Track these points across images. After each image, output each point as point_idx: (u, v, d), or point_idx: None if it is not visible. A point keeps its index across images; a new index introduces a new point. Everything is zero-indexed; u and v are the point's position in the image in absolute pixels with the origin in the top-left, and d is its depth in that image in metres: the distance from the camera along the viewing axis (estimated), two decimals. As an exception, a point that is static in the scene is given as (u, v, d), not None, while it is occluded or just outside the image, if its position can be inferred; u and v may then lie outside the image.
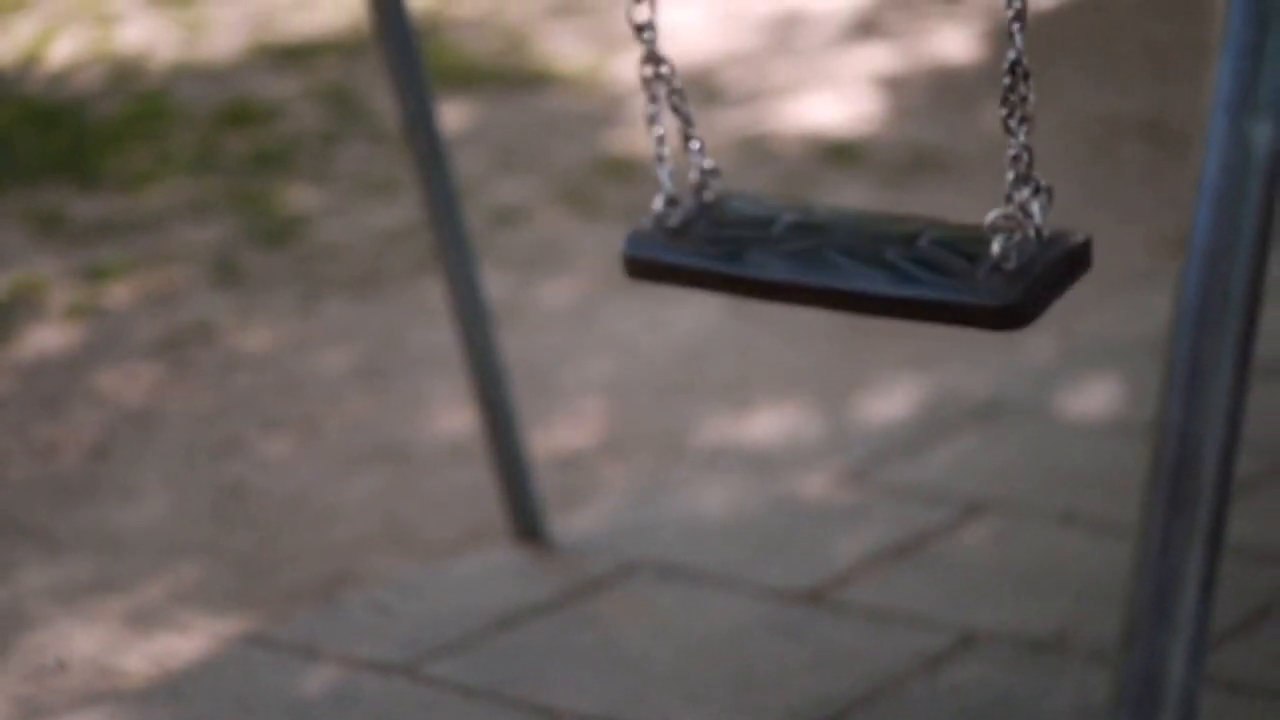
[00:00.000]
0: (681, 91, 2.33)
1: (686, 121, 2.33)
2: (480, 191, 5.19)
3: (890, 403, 3.80)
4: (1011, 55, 2.09)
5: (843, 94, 6.14)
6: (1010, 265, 2.07)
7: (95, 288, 4.50)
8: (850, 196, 5.20)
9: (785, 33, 6.84)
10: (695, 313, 4.37)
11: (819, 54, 6.59)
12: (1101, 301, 4.45)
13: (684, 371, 4.05)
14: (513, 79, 6.30)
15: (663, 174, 2.33)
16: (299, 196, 5.19)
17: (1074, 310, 4.37)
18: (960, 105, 6.09)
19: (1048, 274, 2.08)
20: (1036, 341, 4.15)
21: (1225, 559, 1.61)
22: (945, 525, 3.24)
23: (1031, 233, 2.11)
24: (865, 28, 6.88)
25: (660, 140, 2.34)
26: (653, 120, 2.33)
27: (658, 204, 2.31)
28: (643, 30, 2.29)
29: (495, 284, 4.37)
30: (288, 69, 6.35)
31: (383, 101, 5.83)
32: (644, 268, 2.29)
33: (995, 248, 2.08)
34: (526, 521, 3.19)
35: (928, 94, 6.19)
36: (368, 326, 4.31)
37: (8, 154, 5.54)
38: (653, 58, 2.30)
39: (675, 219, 2.30)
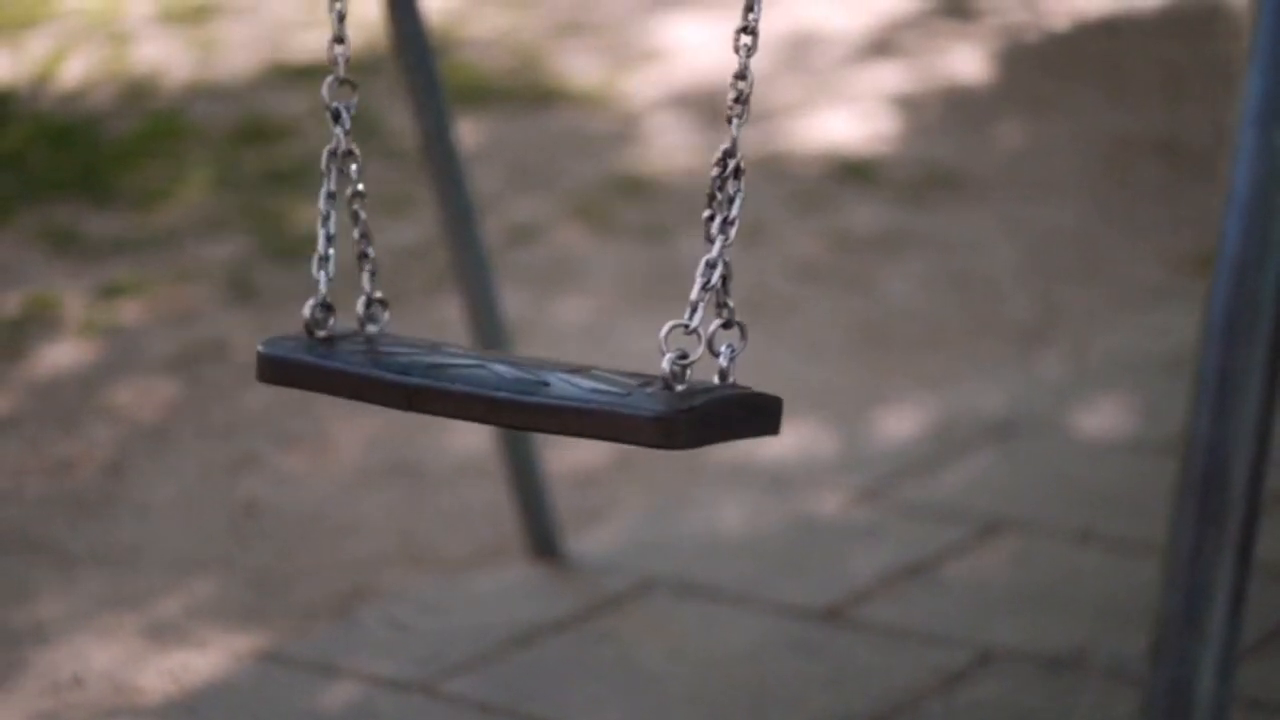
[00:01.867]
0: (364, 196, 2.10)
1: (364, 235, 2.10)
2: (495, 209, 5.19)
3: (907, 421, 3.80)
4: (724, 145, 1.89)
5: (856, 113, 6.14)
6: (680, 386, 1.83)
7: (110, 305, 4.50)
8: (864, 214, 5.20)
9: (799, 52, 6.84)
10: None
11: (833, 73, 6.60)
12: (1117, 320, 4.45)
13: (699, 389, 4.04)
14: (526, 97, 6.31)
15: (321, 277, 2.06)
16: (313, 214, 5.19)
17: (1088, 328, 4.37)
18: (973, 124, 6.09)
19: (719, 405, 1.84)
20: (1052, 360, 4.14)
21: (1252, 575, 1.60)
22: (962, 543, 3.23)
23: (715, 376, 1.86)
24: (879, 47, 6.89)
25: (328, 239, 2.07)
26: (326, 217, 2.07)
27: (307, 309, 2.04)
28: (337, 117, 2.10)
29: (510, 301, 4.36)
30: (301, 87, 6.36)
31: (397, 119, 5.83)
32: (276, 369, 2.03)
33: (665, 364, 1.82)
34: (543, 539, 3.19)
35: (941, 113, 6.19)
36: (382, 344, 4.30)
37: (22, 172, 5.55)
38: (340, 149, 2.09)
39: (325, 328, 2.05)
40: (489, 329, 3.08)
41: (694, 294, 1.83)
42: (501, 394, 1.87)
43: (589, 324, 4.45)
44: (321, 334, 2.06)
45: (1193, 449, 1.54)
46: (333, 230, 2.08)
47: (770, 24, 7.15)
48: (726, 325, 1.86)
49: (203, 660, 2.89)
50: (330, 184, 2.08)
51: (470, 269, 3.06)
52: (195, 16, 7.27)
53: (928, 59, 6.72)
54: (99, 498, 3.51)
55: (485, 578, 3.16)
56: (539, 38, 7.04)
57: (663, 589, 3.09)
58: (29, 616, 3.04)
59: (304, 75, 6.49)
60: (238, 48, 6.85)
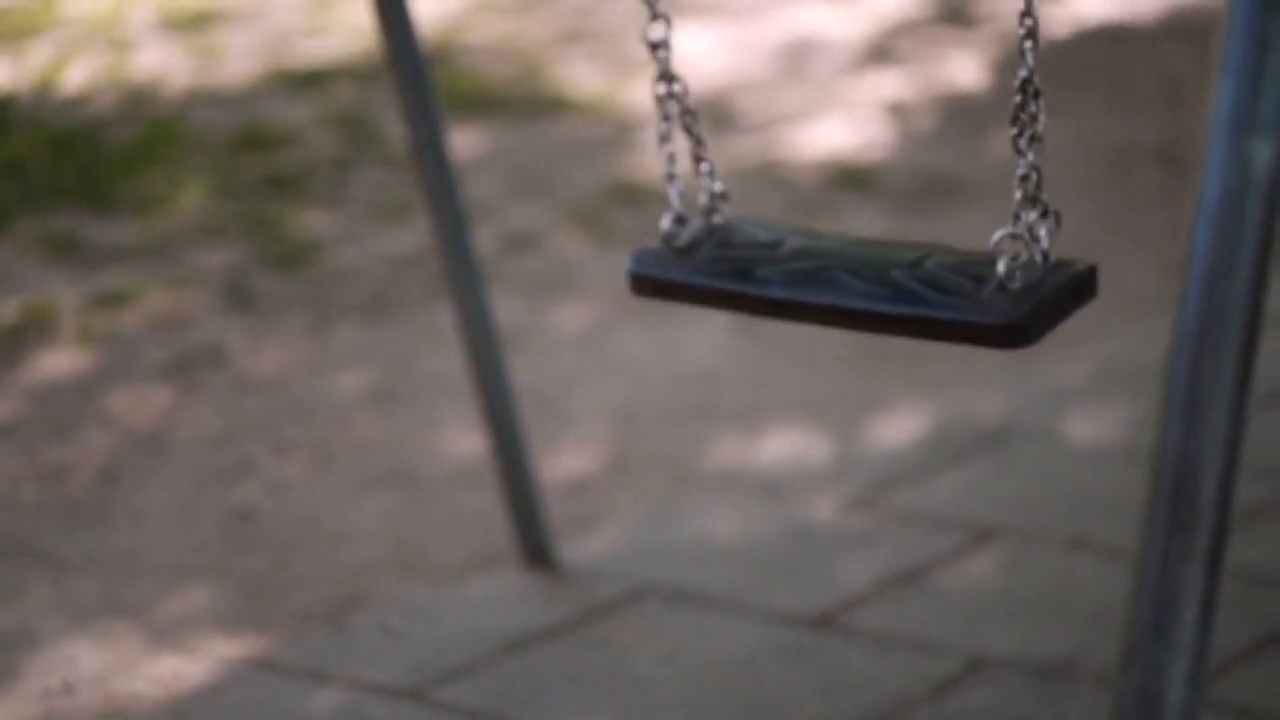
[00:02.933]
0: (694, 112, 2.33)
1: (698, 143, 2.33)
2: (493, 216, 5.20)
3: (900, 428, 3.80)
4: (1023, 73, 2.10)
5: (855, 120, 6.15)
6: (1015, 286, 2.08)
7: (107, 312, 4.51)
8: (863, 221, 5.21)
9: (798, 59, 6.85)
10: (706, 337, 4.37)
11: (831, 80, 6.60)
12: (1113, 326, 4.45)
13: (694, 396, 4.05)
14: (526, 105, 6.31)
15: (672, 192, 2.32)
16: (311, 221, 5.20)
17: (1085, 335, 4.37)
18: (972, 131, 6.09)
19: (1052, 296, 2.08)
20: (1047, 367, 4.14)
21: (1234, 585, 1.61)
22: (955, 551, 3.23)
23: (1038, 257, 2.11)
24: (877, 54, 6.89)
25: (671, 159, 2.33)
26: (664, 139, 2.32)
27: (665, 222, 2.30)
28: (657, 48, 2.30)
29: (507, 309, 4.37)
30: (301, 95, 6.37)
31: (395, 127, 5.84)
32: (649, 285, 2.28)
33: (1000, 268, 2.08)
34: (536, 546, 3.19)
35: (940, 120, 6.20)
36: (379, 351, 4.31)
37: (22, 179, 5.56)
38: (666, 76, 2.31)
39: (682, 239, 2.29)
40: (480, 337, 3.08)
41: (1015, 204, 2.10)
42: (861, 304, 2.11)
43: (586, 332, 4.45)
44: (680, 244, 2.28)
45: (1163, 458, 1.54)
46: (674, 149, 2.31)
47: (769, 32, 7.16)
48: (1043, 215, 2.12)
49: (195, 667, 2.89)
50: (666, 108, 2.31)
51: (462, 277, 3.06)
52: (196, 24, 7.28)
53: (927, 66, 6.73)
54: (94, 504, 3.52)
55: (478, 585, 3.16)
56: (539, 45, 7.05)
57: (655, 596, 3.09)
58: (21, 622, 3.05)
59: (304, 83, 6.50)
60: (238, 55, 6.87)
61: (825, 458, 3.66)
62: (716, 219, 2.33)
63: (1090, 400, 3.93)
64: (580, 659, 2.89)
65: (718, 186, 2.33)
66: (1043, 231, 2.12)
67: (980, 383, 4.07)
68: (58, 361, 4.24)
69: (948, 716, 2.71)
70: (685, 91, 2.31)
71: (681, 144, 2.37)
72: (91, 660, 2.92)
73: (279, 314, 4.52)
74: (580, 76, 6.63)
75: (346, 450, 3.77)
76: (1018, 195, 2.10)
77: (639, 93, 6.42)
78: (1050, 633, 2.93)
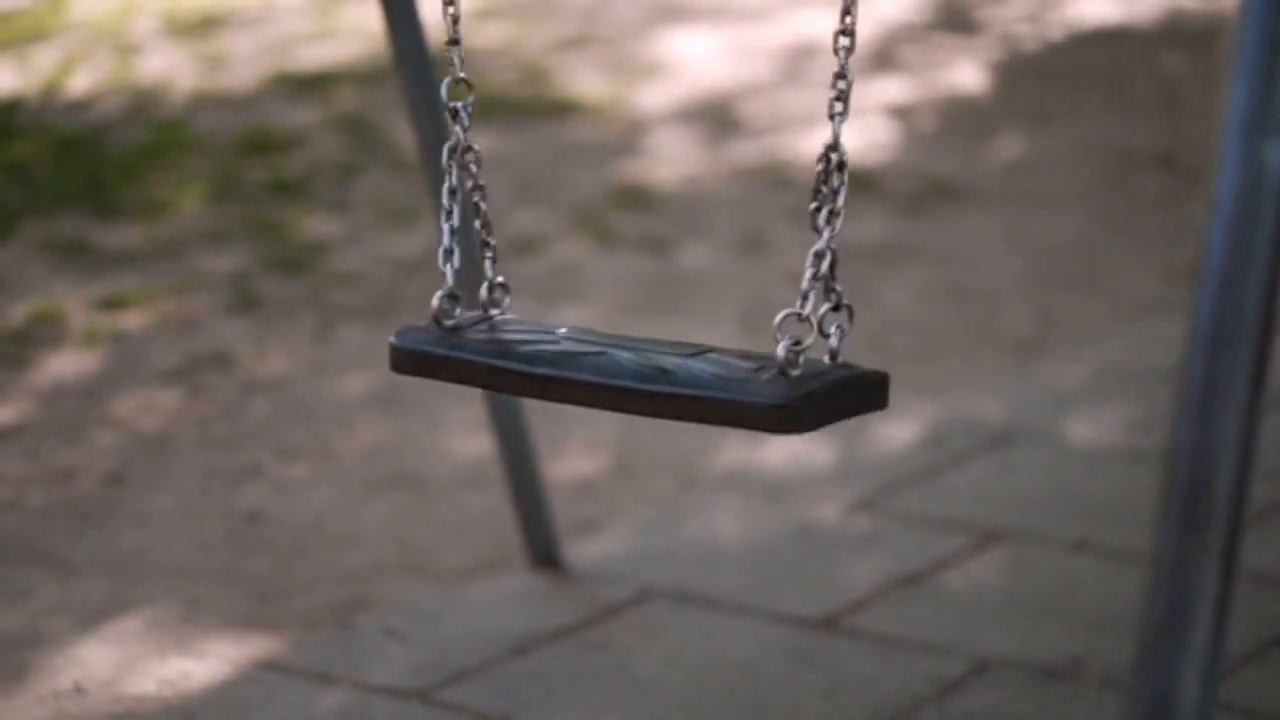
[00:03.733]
0: (484, 188, 2.20)
1: (484, 225, 2.20)
2: (499, 220, 5.20)
3: (904, 430, 3.81)
4: (828, 141, 1.98)
5: (857, 124, 6.16)
6: (795, 372, 1.94)
7: (114, 315, 4.52)
8: (867, 225, 5.22)
9: (801, 64, 6.86)
10: (711, 340, 4.38)
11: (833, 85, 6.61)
12: (1116, 330, 4.46)
13: (699, 400, 4.05)
14: (531, 109, 6.33)
15: (448, 270, 2.18)
16: (317, 225, 5.21)
17: (1088, 338, 4.38)
18: (974, 135, 6.10)
19: (833, 389, 1.94)
20: (1050, 369, 4.15)
21: (1241, 586, 1.62)
22: (958, 553, 3.24)
23: (826, 356, 1.98)
24: (880, 59, 6.90)
25: (451, 232, 2.19)
26: (447, 213, 2.19)
27: (436, 299, 2.16)
28: (455, 116, 2.19)
29: (513, 312, 4.37)
30: (306, 99, 6.38)
31: (400, 130, 5.85)
32: (410, 358, 2.16)
33: (780, 351, 1.94)
34: (542, 547, 3.20)
35: (941, 124, 6.21)
36: (384, 354, 4.31)
37: (28, 183, 5.57)
38: (459, 147, 2.19)
39: (453, 317, 2.17)
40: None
41: (805, 283, 1.95)
42: (629, 383, 1.99)
43: (590, 335, 4.46)
44: (449, 323, 2.17)
45: (1177, 458, 1.55)
46: (456, 224, 2.19)
47: (771, 36, 7.17)
48: (836, 308, 1.98)
49: (202, 669, 2.90)
50: (452, 179, 2.19)
51: (472, 281, 3.07)
52: (201, 28, 7.30)
53: (928, 71, 6.74)
54: (101, 506, 3.53)
55: (483, 587, 3.17)
56: (545, 50, 7.06)
57: (660, 598, 3.10)
58: (29, 624, 3.06)
59: (309, 86, 6.51)
60: (243, 59, 6.88)
61: (829, 460, 3.67)
62: (494, 312, 2.22)
63: (1092, 402, 3.94)
64: (585, 661, 2.90)
65: (500, 278, 2.21)
66: (833, 329, 1.97)
67: (983, 385, 4.08)
68: (64, 364, 4.25)
69: (952, 718, 2.72)
70: (480, 164, 2.19)
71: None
72: (100, 662, 2.93)
73: (284, 317, 4.53)
74: (584, 81, 6.64)
75: (352, 453, 3.78)
76: (809, 274, 1.95)
77: (643, 97, 6.43)
78: (1054, 634, 2.94)
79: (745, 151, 5.88)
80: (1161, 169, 5.79)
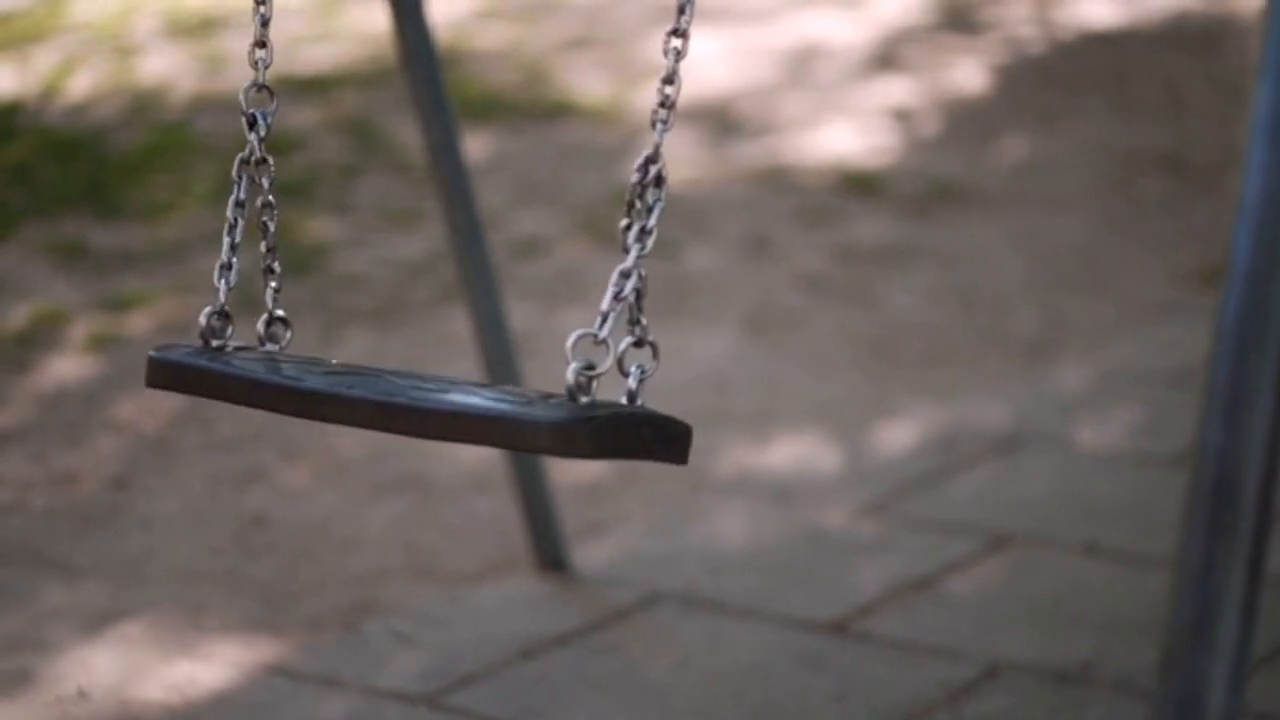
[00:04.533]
0: (273, 205, 2.07)
1: (269, 250, 2.07)
2: (501, 222, 5.19)
3: (913, 434, 3.79)
4: (647, 152, 1.81)
5: (861, 126, 6.14)
6: (585, 398, 1.74)
7: (115, 318, 4.50)
8: (870, 228, 5.20)
9: (803, 66, 6.85)
10: (717, 343, 4.37)
11: (837, 87, 6.60)
12: (1123, 333, 4.45)
13: (706, 401, 4.04)
14: (533, 111, 6.31)
15: (222, 285, 2.03)
16: (320, 227, 5.19)
17: (1095, 341, 4.36)
18: (977, 137, 6.09)
19: (624, 420, 1.74)
20: (1057, 373, 4.14)
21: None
22: (969, 557, 3.23)
23: (623, 396, 1.76)
24: (883, 61, 6.89)
25: (231, 247, 2.05)
26: (231, 225, 2.05)
27: (204, 317, 2.01)
28: (254, 125, 2.06)
29: (516, 314, 4.36)
30: (308, 101, 6.37)
31: (403, 132, 5.83)
32: (167, 371, 2.00)
33: (569, 376, 1.72)
34: (549, 551, 3.18)
35: (946, 126, 6.20)
36: (388, 356, 4.30)
37: (29, 185, 5.55)
38: (253, 159, 2.07)
39: (221, 338, 2.02)
40: (496, 343, 3.08)
41: (604, 304, 1.74)
42: (396, 399, 1.81)
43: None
44: (216, 343, 2.01)
45: (1203, 460, 1.54)
46: (238, 239, 2.05)
47: (775, 38, 7.16)
48: (638, 344, 1.76)
49: (207, 673, 2.88)
50: (240, 192, 2.05)
51: (478, 283, 3.06)
52: (201, 30, 7.28)
53: (932, 72, 6.72)
54: (104, 510, 3.51)
55: (491, 590, 3.16)
56: (546, 52, 7.05)
57: (668, 602, 3.08)
58: (34, 628, 3.04)
59: (311, 88, 6.50)
60: (243, 61, 6.86)
61: (837, 464, 3.66)
62: (270, 348, 2.05)
63: (1100, 405, 3.92)
64: (593, 665, 2.88)
65: (279, 311, 2.05)
66: (634, 368, 1.75)
67: (991, 389, 4.07)
68: (67, 367, 4.23)
69: (964, 722, 2.70)
70: (272, 178, 2.07)
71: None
72: (104, 666, 2.91)
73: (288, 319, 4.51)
74: (586, 82, 6.63)
75: (358, 456, 3.77)
76: (610, 294, 1.73)
77: (646, 98, 6.42)
78: (1066, 638, 2.92)
79: (748, 153, 5.86)
80: (1167, 171, 5.77)
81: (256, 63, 2.08)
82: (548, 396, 1.78)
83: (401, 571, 3.26)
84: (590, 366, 1.73)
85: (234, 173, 2.05)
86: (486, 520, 3.45)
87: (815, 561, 3.23)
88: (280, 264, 2.06)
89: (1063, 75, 6.74)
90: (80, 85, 6.58)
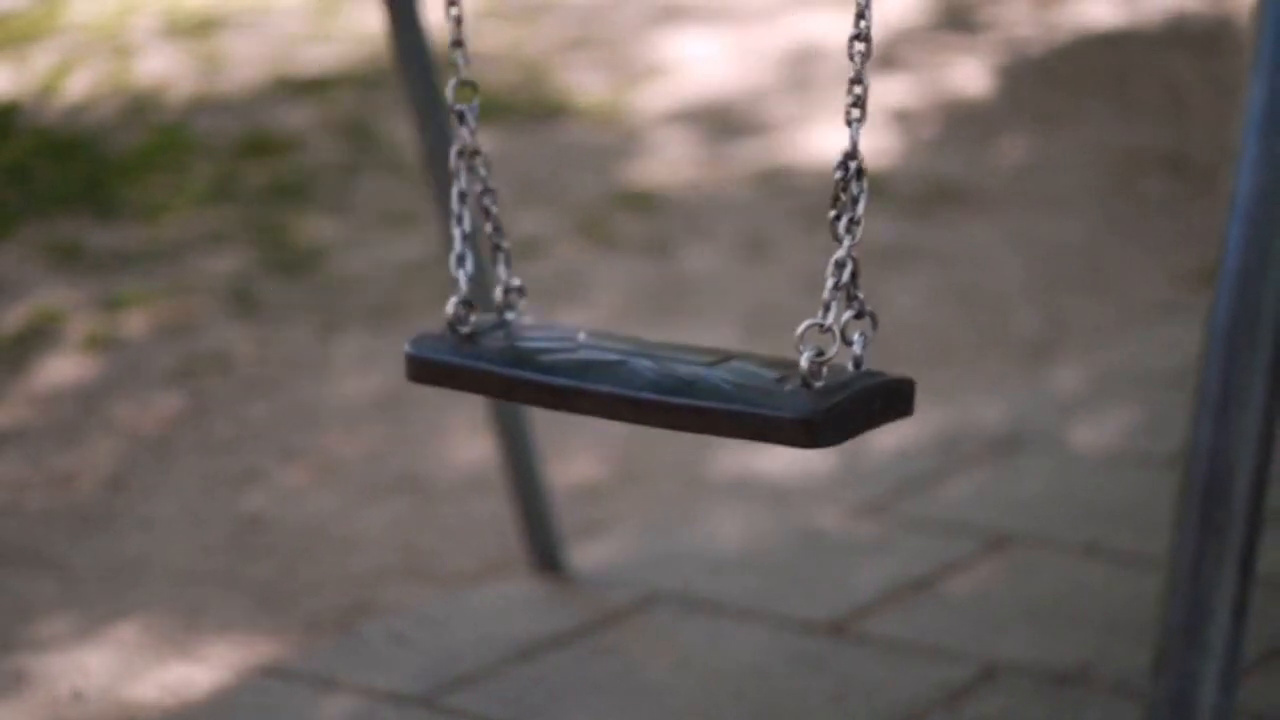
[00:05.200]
0: (495, 191, 2.16)
1: (497, 229, 2.16)
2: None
3: (911, 435, 3.79)
4: (846, 148, 1.94)
5: (863, 127, 6.14)
6: (819, 383, 1.89)
7: (113, 318, 4.50)
8: (870, 228, 5.19)
9: (803, 66, 6.84)
10: (716, 343, 4.36)
11: (836, 87, 6.59)
12: (1121, 333, 4.44)
13: (703, 403, 4.03)
14: (531, 111, 6.30)
15: (460, 275, 2.13)
16: (317, 227, 5.18)
17: (1094, 342, 4.36)
18: (978, 137, 6.08)
19: (859, 399, 1.89)
20: (1057, 373, 4.13)
21: (1254, 590, 1.60)
22: (967, 558, 3.22)
23: (850, 363, 1.93)
24: (883, 61, 6.88)
25: (463, 238, 2.15)
26: (458, 218, 2.14)
27: (450, 307, 2.11)
28: (463, 119, 2.14)
29: (527, 314, 4.35)
30: (305, 101, 6.36)
31: (400, 133, 5.83)
32: (426, 368, 2.11)
33: (803, 361, 1.89)
34: (545, 552, 3.18)
35: (946, 127, 6.19)
36: (386, 357, 4.30)
37: (26, 185, 5.55)
38: (467, 150, 2.14)
39: (468, 325, 2.12)
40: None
41: (826, 293, 1.91)
42: (647, 395, 1.93)
43: (593, 338, 4.44)
44: (465, 330, 2.12)
45: (1194, 459, 1.53)
46: (467, 229, 2.15)
47: (773, 39, 7.15)
48: (858, 315, 1.93)
49: (203, 674, 2.88)
50: (461, 183, 2.14)
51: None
52: (199, 30, 7.28)
53: (932, 73, 6.72)
54: (100, 511, 3.51)
55: (487, 592, 3.15)
56: (545, 52, 7.04)
57: (666, 603, 3.07)
58: (29, 629, 3.04)
59: (308, 89, 6.49)
60: (242, 61, 6.85)
61: (835, 465, 3.65)
62: (510, 315, 2.17)
63: (1099, 406, 3.91)
64: (591, 666, 2.87)
65: (515, 280, 2.17)
66: (856, 336, 1.93)
67: (989, 389, 4.06)
68: (64, 368, 4.22)
69: (962, 724, 2.69)
70: (488, 167, 2.15)
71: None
72: (100, 667, 2.90)
73: (285, 320, 4.50)
74: (585, 83, 6.62)
75: (354, 457, 3.76)
76: (830, 284, 1.92)
77: (643, 99, 6.41)
78: (1064, 639, 2.91)
79: (747, 154, 5.86)
80: (1168, 172, 5.77)
81: (456, 61, 2.16)
82: (782, 378, 1.92)
83: (398, 572, 3.25)
84: (820, 353, 1.89)
85: (451, 165, 2.15)
86: (484, 521, 3.44)
87: (813, 562, 3.23)
88: (507, 240, 2.18)
89: (1063, 76, 6.74)
90: (78, 85, 6.57)
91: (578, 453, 3.76)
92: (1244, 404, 1.53)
